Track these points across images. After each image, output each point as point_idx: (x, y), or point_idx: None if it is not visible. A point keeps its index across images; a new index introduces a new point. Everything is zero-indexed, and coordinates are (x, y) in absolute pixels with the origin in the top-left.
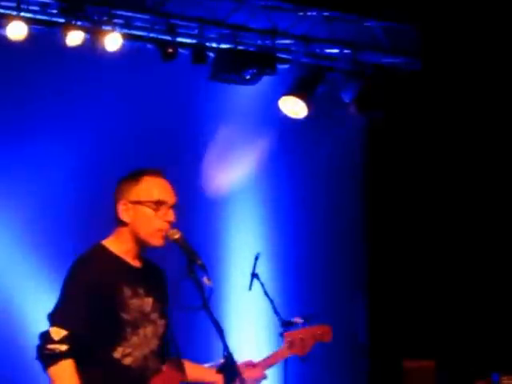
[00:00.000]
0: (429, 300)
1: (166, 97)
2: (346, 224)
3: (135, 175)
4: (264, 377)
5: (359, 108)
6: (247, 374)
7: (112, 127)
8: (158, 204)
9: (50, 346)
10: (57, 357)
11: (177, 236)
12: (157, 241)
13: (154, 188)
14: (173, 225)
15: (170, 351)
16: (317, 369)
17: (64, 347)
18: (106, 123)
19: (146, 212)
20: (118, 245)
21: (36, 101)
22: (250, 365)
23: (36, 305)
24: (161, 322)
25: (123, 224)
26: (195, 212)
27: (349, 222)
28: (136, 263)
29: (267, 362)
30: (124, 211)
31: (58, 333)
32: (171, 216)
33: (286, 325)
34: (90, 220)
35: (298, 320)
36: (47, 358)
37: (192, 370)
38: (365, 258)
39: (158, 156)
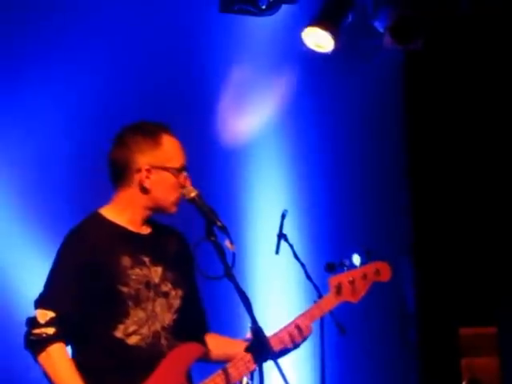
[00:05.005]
0: (484, 260)
1: (171, 33)
2: (385, 174)
3: (151, 133)
4: (310, 332)
5: (395, 38)
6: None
7: (108, 69)
8: (181, 170)
9: (36, 331)
10: (44, 342)
11: (193, 194)
12: (175, 209)
13: (175, 151)
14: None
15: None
16: (357, 342)
17: (51, 330)
18: (101, 65)
19: (170, 180)
20: (118, 213)
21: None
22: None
23: (32, 281)
24: (175, 293)
25: (127, 189)
26: (210, 166)
27: (388, 171)
28: (140, 229)
29: (312, 314)
30: (146, 177)
31: (43, 315)
32: (189, 181)
33: (330, 268)
34: (90, 184)
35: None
36: (34, 344)
37: (219, 344)
38: (409, 213)
39: (163, 102)
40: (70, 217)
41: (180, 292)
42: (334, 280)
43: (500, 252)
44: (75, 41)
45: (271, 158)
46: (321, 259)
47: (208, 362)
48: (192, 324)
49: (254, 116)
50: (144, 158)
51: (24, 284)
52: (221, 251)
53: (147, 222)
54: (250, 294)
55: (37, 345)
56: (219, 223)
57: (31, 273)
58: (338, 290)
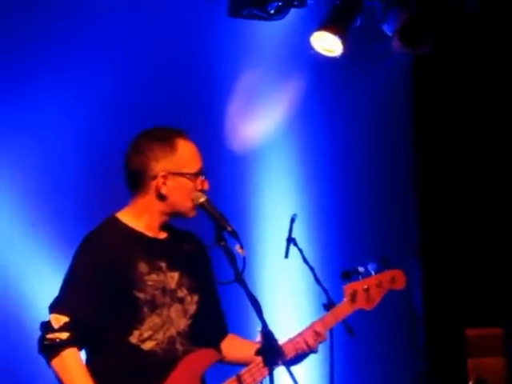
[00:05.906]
0: (490, 262)
1: (179, 38)
2: (393, 178)
3: (166, 139)
4: (324, 338)
5: (404, 41)
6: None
7: (116, 75)
8: (197, 175)
9: (50, 336)
10: (58, 346)
11: (202, 200)
12: (194, 213)
13: (191, 156)
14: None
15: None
16: (366, 344)
17: (65, 335)
18: (109, 69)
19: (187, 185)
20: (135, 218)
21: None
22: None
23: (37, 288)
24: (191, 299)
25: (144, 196)
26: (220, 171)
27: (397, 176)
28: (158, 234)
29: (327, 322)
30: (163, 184)
31: (57, 320)
32: (207, 185)
33: (346, 276)
34: (98, 192)
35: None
36: (48, 349)
37: (237, 346)
38: (417, 216)
39: (172, 107)
40: (74, 219)
41: (196, 297)
42: (348, 288)
43: (506, 254)
44: (83, 44)
45: (280, 162)
46: (330, 263)
47: (225, 364)
48: (210, 328)
49: (263, 120)
50: (160, 165)
51: (28, 286)
52: (231, 256)
53: (164, 226)
54: (259, 298)
55: (50, 349)
56: (229, 228)
57: (33, 274)
58: (353, 297)
